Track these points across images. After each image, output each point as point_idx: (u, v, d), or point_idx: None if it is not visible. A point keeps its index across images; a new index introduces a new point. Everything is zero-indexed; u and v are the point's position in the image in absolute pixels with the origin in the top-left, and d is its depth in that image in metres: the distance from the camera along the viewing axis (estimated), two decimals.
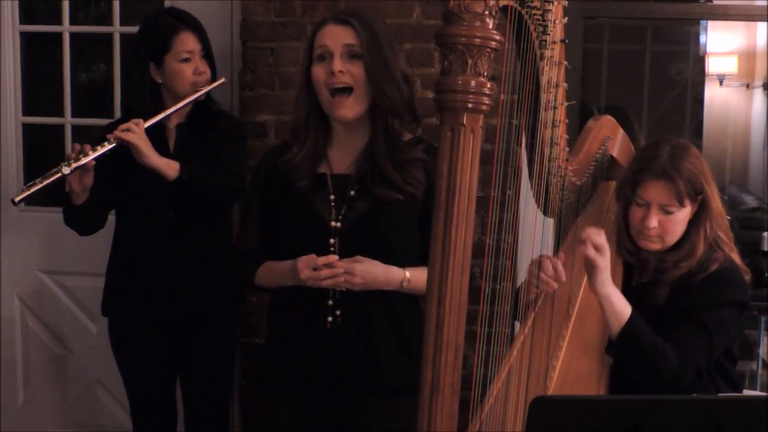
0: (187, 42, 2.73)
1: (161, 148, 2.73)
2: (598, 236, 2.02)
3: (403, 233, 2.18)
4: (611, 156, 2.50)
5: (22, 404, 3.62)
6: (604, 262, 2.01)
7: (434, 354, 1.45)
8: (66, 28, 3.46)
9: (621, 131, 2.54)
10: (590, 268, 2.03)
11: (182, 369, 2.90)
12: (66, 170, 2.55)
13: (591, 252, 2.00)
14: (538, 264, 2.13)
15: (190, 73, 2.74)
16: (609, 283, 2.03)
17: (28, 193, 2.56)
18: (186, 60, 2.73)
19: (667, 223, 2.15)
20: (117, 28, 3.41)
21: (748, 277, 2.21)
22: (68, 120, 3.48)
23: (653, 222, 2.14)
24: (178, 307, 2.78)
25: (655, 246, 2.18)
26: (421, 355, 1.47)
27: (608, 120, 2.52)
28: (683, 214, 2.15)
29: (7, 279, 3.56)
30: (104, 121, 3.37)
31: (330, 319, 2.15)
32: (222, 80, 2.84)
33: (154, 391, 2.91)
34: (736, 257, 2.21)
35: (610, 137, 2.47)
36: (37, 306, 3.58)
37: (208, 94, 2.82)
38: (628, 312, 2.04)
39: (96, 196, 2.73)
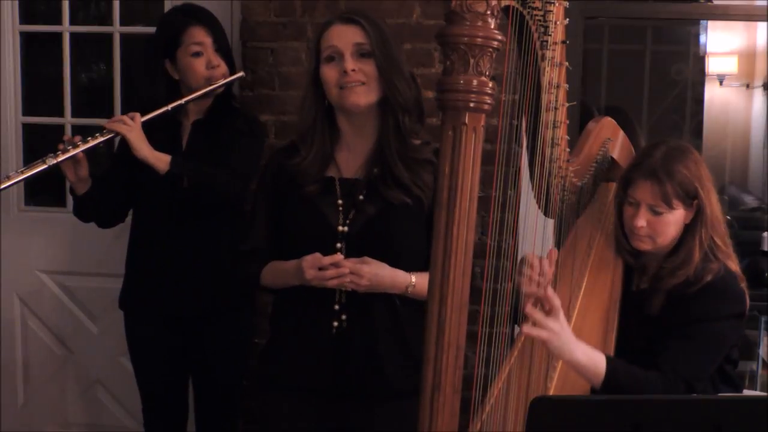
0: (197, 36, 2.73)
1: (174, 144, 2.73)
2: (533, 312, 1.91)
3: (410, 238, 2.17)
4: (612, 158, 2.51)
5: (22, 404, 3.62)
6: (549, 332, 1.90)
7: (436, 353, 1.45)
8: (66, 28, 3.46)
9: (621, 133, 2.55)
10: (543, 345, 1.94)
11: (194, 367, 2.91)
12: (50, 161, 2.54)
13: (532, 332, 1.90)
14: (524, 262, 2.10)
15: (202, 67, 2.73)
16: (568, 346, 1.93)
17: (9, 183, 2.54)
18: (197, 54, 2.73)
19: (656, 223, 2.15)
20: (117, 28, 3.41)
21: (743, 284, 2.19)
22: (68, 120, 3.48)
23: (641, 221, 2.14)
24: (188, 305, 2.78)
25: (646, 246, 2.18)
26: (423, 355, 1.47)
27: (609, 122, 2.52)
28: (674, 217, 2.15)
29: (7, 279, 3.56)
30: (105, 121, 3.40)
31: (336, 324, 2.15)
32: (240, 74, 2.83)
33: (165, 387, 2.92)
34: (732, 265, 2.20)
35: (611, 139, 2.48)
36: (37, 306, 3.58)
37: (229, 89, 2.83)
38: (603, 363, 1.96)
39: (104, 188, 2.75)
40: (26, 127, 3.55)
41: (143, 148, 2.62)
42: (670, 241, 2.18)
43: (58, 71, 3.47)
